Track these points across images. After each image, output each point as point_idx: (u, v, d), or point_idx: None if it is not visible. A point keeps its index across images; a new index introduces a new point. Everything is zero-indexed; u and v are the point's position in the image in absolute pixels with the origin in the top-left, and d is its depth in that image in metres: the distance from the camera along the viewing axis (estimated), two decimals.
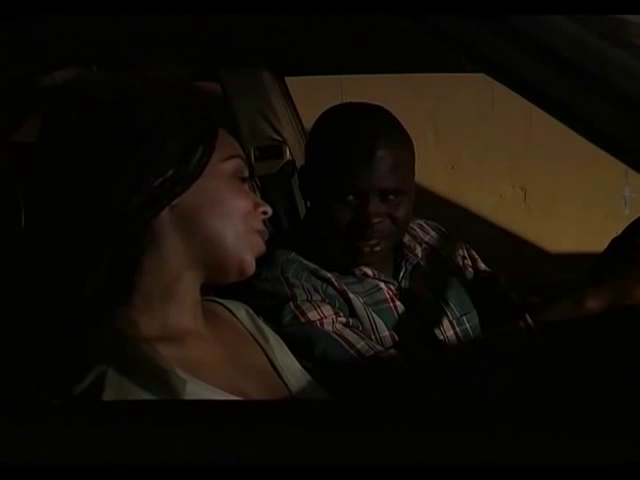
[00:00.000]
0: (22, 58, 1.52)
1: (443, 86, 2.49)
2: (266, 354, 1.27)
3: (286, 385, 1.24)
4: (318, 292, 1.49)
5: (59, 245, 1.12)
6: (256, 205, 1.18)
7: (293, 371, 1.27)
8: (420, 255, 1.65)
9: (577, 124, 0.86)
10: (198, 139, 1.15)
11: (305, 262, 1.53)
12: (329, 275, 1.51)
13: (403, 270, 1.61)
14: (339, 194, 1.49)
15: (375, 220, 1.49)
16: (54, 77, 1.70)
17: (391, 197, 1.49)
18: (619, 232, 1.45)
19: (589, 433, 0.86)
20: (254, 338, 1.28)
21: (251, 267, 1.17)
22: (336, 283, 1.51)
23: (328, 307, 1.46)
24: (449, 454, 0.86)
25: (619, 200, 2.58)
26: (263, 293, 1.46)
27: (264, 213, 1.19)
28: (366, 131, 1.49)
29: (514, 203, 2.63)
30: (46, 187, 1.15)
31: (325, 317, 1.44)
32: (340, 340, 1.43)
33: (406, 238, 1.65)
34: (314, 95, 2.20)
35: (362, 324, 1.49)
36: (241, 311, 1.30)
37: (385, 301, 1.55)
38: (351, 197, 1.48)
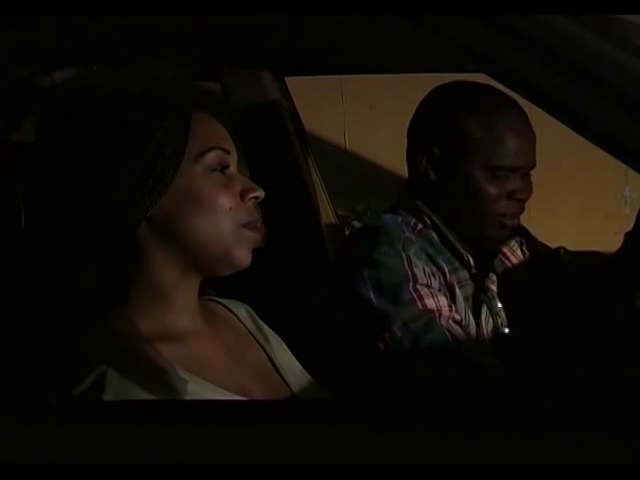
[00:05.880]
0: (22, 58, 1.51)
1: None
2: (266, 353, 1.26)
3: (286, 384, 1.23)
4: (436, 279, 1.45)
5: (57, 245, 1.11)
6: (243, 193, 1.11)
7: (293, 370, 1.27)
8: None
9: (577, 124, 0.86)
10: (165, 140, 1.07)
11: (424, 244, 1.48)
12: (444, 265, 1.48)
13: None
14: (494, 168, 1.47)
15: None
16: (54, 77, 1.70)
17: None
18: (619, 232, 1.45)
19: (589, 433, 0.86)
20: (254, 337, 1.27)
21: (244, 261, 1.12)
22: (448, 275, 1.47)
23: (444, 298, 1.43)
24: (449, 454, 0.86)
25: (619, 200, 2.58)
26: (380, 266, 1.42)
27: (255, 198, 1.12)
28: (515, 107, 1.48)
29: None
30: (42, 187, 1.14)
31: (442, 309, 1.41)
32: (451, 339, 1.39)
33: None
34: (314, 95, 2.20)
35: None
36: (241, 310, 1.29)
37: (471, 297, 1.53)
38: (504, 173, 1.47)
